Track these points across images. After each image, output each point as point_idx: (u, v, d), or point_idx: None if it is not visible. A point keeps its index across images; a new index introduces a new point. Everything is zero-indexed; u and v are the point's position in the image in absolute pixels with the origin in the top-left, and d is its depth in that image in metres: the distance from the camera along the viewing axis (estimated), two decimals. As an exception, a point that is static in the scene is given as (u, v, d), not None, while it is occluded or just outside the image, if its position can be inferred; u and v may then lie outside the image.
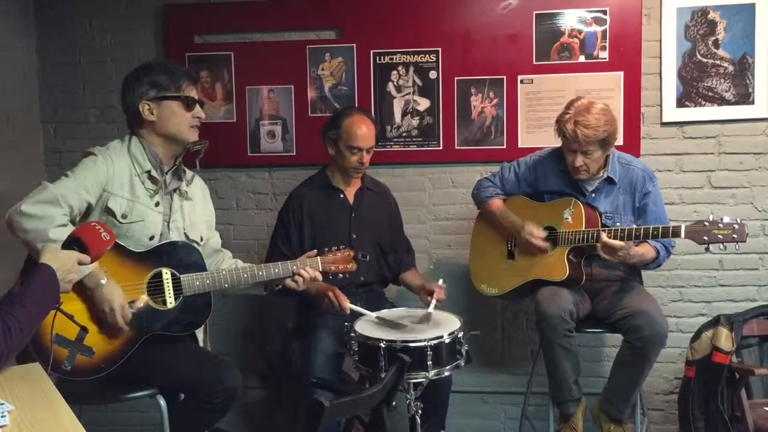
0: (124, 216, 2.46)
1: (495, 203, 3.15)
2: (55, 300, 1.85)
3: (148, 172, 2.53)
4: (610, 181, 2.97)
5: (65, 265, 1.89)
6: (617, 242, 2.77)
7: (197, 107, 2.60)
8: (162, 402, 2.48)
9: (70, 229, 2.31)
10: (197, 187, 2.76)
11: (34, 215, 2.27)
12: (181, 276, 2.50)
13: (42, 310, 1.79)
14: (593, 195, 2.99)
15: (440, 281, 3.03)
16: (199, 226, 2.70)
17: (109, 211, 2.44)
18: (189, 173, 2.71)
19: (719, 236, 2.69)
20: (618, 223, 2.92)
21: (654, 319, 2.77)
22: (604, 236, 2.79)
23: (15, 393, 1.63)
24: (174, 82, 2.55)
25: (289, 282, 2.69)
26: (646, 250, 2.91)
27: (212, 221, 2.83)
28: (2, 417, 1.49)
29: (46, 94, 3.83)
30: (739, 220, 2.69)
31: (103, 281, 2.32)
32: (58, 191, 2.33)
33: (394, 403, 2.26)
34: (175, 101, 2.55)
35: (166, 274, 2.49)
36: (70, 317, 1.98)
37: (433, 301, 2.90)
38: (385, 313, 2.82)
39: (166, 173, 2.58)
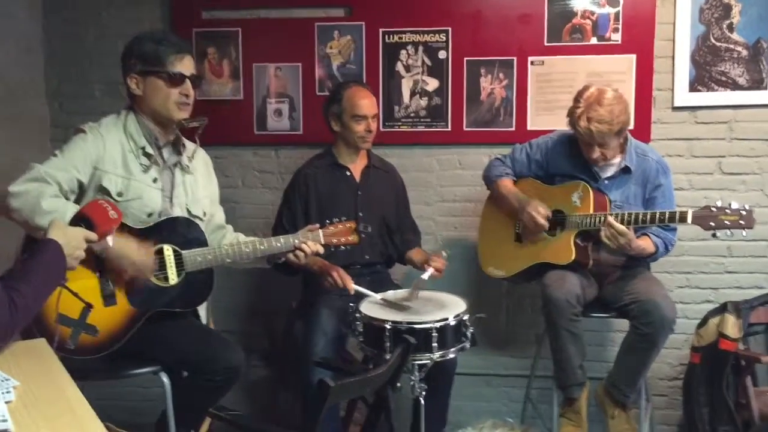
0: (119, 194, 2.42)
1: (504, 182, 3.12)
2: (62, 276, 1.83)
3: (143, 148, 2.49)
4: (626, 170, 2.94)
5: (72, 241, 1.88)
6: (622, 227, 2.74)
7: (186, 83, 2.49)
8: (165, 379, 2.48)
9: (64, 200, 2.30)
10: (200, 161, 2.71)
11: (22, 192, 2.24)
12: (183, 252, 2.48)
13: (48, 286, 1.77)
14: (606, 182, 2.96)
15: (443, 254, 3.01)
16: (202, 201, 2.67)
17: (104, 190, 2.40)
18: (190, 147, 2.66)
19: (726, 222, 2.66)
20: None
21: (662, 304, 2.75)
22: (610, 218, 2.77)
23: (20, 368, 1.62)
24: (158, 56, 2.45)
25: (290, 257, 2.66)
26: (646, 245, 2.89)
27: (216, 196, 2.80)
28: (7, 392, 1.48)
29: (51, 67, 3.80)
30: (747, 207, 2.66)
31: (111, 243, 2.25)
32: (44, 169, 2.30)
33: (398, 385, 2.25)
34: (158, 77, 2.46)
35: (168, 250, 2.47)
36: (75, 294, 1.97)
37: (429, 270, 2.88)
38: (389, 294, 2.81)
39: (161, 148, 2.54)
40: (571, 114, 2.84)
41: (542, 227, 2.95)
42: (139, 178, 2.47)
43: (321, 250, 2.66)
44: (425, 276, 2.83)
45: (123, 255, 2.32)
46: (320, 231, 2.67)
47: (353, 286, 2.84)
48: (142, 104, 2.51)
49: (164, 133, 2.56)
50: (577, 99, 2.84)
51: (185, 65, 2.50)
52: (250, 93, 3.66)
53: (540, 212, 2.94)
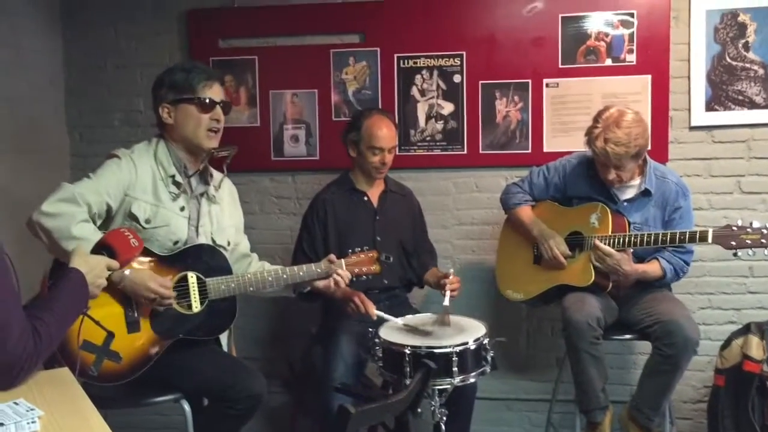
0: (147, 221, 2.45)
1: (524, 211, 3.12)
2: (84, 305, 1.85)
3: (173, 176, 2.53)
4: (645, 193, 2.93)
5: (94, 269, 1.89)
6: (608, 248, 2.75)
7: (216, 109, 2.53)
8: (186, 407, 2.48)
9: (92, 226, 2.33)
10: (226, 191, 2.74)
11: (54, 214, 2.27)
12: (207, 280, 2.49)
13: (71, 315, 1.79)
14: (625, 204, 2.95)
15: (450, 271, 3.00)
16: (227, 230, 2.69)
17: (133, 216, 2.44)
18: (218, 177, 2.69)
19: (747, 241, 2.64)
20: None
21: (685, 325, 2.72)
22: (596, 241, 2.78)
23: (45, 398, 1.62)
24: (189, 83, 2.50)
25: (323, 283, 2.66)
26: (652, 268, 2.89)
27: (241, 225, 2.83)
28: (32, 422, 1.49)
29: (71, 98, 3.86)
30: (768, 225, 2.64)
31: (128, 272, 2.30)
32: (76, 190, 2.33)
33: (419, 410, 2.23)
34: (190, 104, 2.51)
35: (192, 277, 2.48)
36: (97, 322, 1.98)
37: (447, 294, 2.87)
38: (410, 318, 2.80)
39: (190, 177, 2.57)
40: (589, 134, 2.83)
41: (561, 265, 2.94)
42: (168, 206, 2.50)
43: (349, 276, 2.67)
44: (446, 302, 2.83)
45: (139, 283, 2.33)
46: (342, 261, 2.68)
47: (375, 312, 2.84)
48: (174, 133, 2.55)
49: (194, 162, 2.59)
50: (596, 119, 2.84)
51: (215, 92, 2.55)
52: (267, 119, 3.70)
53: (555, 254, 2.94)
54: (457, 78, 3.55)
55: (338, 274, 2.63)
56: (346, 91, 3.63)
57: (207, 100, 2.52)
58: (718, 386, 3.12)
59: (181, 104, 2.51)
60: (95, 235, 2.28)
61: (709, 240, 2.67)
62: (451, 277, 2.96)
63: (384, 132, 3.06)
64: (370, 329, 2.67)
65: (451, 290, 2.91)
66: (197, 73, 2.52)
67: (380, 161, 3.08)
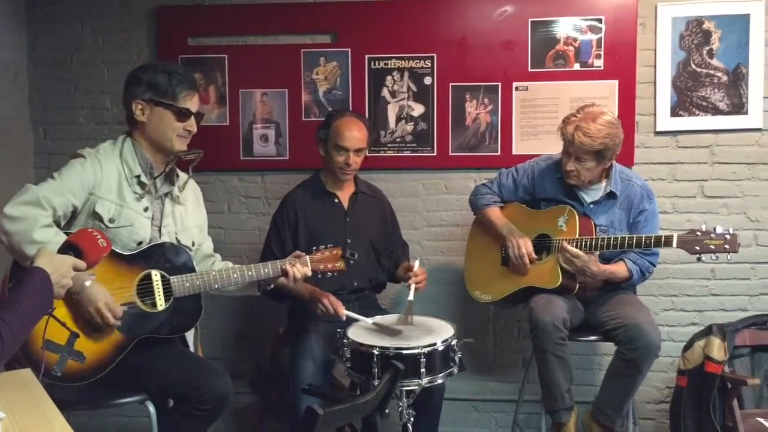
0: (111, 220, 2.42)
1: (492, 211, 3.14)
2: (49, 305, 1.81)
3: (138, 176, 2.50)
4: (611, 195, 2.97)
5: (60, 269, 1.86)
6: (576, 250, 2.80)
7: (191, 120, 2.53)
8: (151, 408, 2.46)
9: (55, 230, 2.29)
10: (190, 192, 2.72)
11: (16, 217, 2.24)
12: (171, 278, 2.47)
13: (35, 315, 1.75)
14: (591, 206, 2.99)
15: (416, 264, 3.02)
16: (191, 230, 2.67)
17: (96, 215, 2.40)
18: (182, 178, 2.66)
19: (711, 246, 2.70)
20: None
21: (648, 330, 2.76)
22: (564, 243, 2.82)
23: (6, 400, 1.60)
24: (172, 90, 2.48)
25: (281, 281, 2.65)
26: (618, 270, 2.95)
27: (205, 226, 2.80)
28: (-7, 425, 1.46)
29: (36, 94, 3.79)
30: (731, 231, 2.71)
31: (88, 283, 2.28)
32: (40, 193, 2.29)
33: (387, 411, 2.24)
34: (168, 110, 2.49)
35: (156, 276, 2.46)
36: (63, 323, 1.95)
37: (412, 287, 2.90)
38: (379, 319, 2.80)
39: (155, 178, 2.54)
40: (566, 120, 2.87)
41: (526, 266, 2.97)
42: (132, 206, 2.47)
43: (309, 273, 2.65)
44: (410, 297, 2.84)
45: (92, 300, 2.30)
46: (307, 258, 2.67)
47: (345, 312, 2.83)
48: (144, 131, 2.52)
49: (160, 163, 2.56)
50: (578, 110, 2.89)
51: (194, 102, 2.55)
52: (237, 119, 3.67)
53: (523, 254, 2.96)
54: (427, 80, 3.57)
55: (288, 270, 2.60)
56: (316, 91, 3.62)
57: (186, 111, 2.51)
58: (680, 387, 3.17)
59: (158, 107, 2.49)
60: (57, 238, 2.25)
61: (674, 245, 2.73)
62: (416, 269, 2.98)
63: (353, 133, 3.04)
64: (339, 330, 2.66)
65: (417, 283, 2.93)
66: (180, 81, 2.50)
67: (344, 161, 3.06)
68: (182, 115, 2.51)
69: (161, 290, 2.46)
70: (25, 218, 2.24)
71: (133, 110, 2.50)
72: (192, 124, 2.54)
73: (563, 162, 2.92)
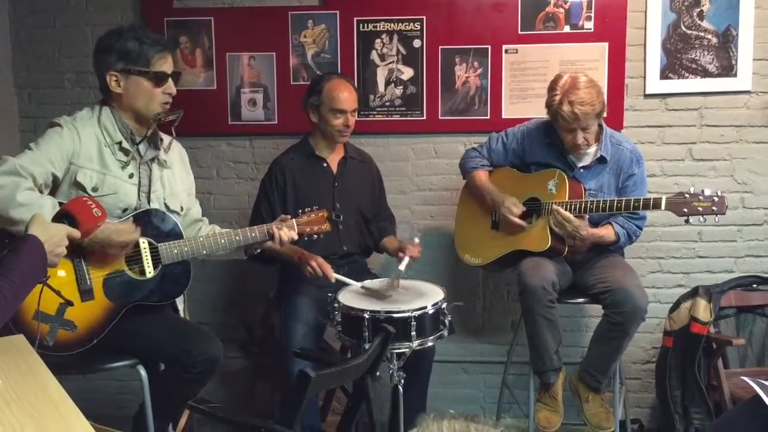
0: (94, 189, 2.39)
1: (480, 175, 3.15)
2: (42, 273, 1.79)
3: (119, 143, 2.46)
4: (601, 160, 2.97)
5: (54, 237, 1.83)
6: (567, 214, 2.81)
7: (169, 82, 2.48)
8: (143, 372, 2.47)
9: (37, 193, 2.27)
10: (175, 154, 2.68)
11: None
12: (159, 245, 2.47)
13: (28, 283, 1.73)
14: (581, 171, 3.00)
15: (416, 239, 3.04)
16: (180, 195, 2.65)
17: (78, 185, 2.37)
18: (166, 140, 2.63)
19: (699, 208, 2.72)
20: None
21: (635, 294, 2.80)
22: (556, 206, 2.84)
23: (0, 366, 1.59)
24: (143, 55, 2.42)
25: (268, 244, 2.65)
26: (606, 233, 2.97)
27: (192, 190, 2.78)
28: (-13, 391, 1.46)
29: (19, 58, 3.72)
30: (719, 193, 2.73)
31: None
32: (18, 162, 2.26)
33: (378, 373, 2.26)
34: (144, 77, 2.44)
35: (143, 243, 2.45)
36: (57, 292, 1.94)
37: (406, 259, 2.91)
38: (369, 283, 2.81)
39: (138, 144, 2.51)
40: (550, 103, 2.86)
41: (521, 227, 2.98)
42: (116, 173, 2.44)
43: (295, 236, 2.65)
44: (402, 267, 2.86)
45: (105, 243, 2.31)
46: (293, 221, 2.66)
47: (334, 275, 2.85)
48: (122, 101, 2.47)
49: (140, 128, 2.52)
50: (552, 88, 2.87)
51: (168, 64, 2.48)
52: (224, 83, 3.62)
53: (512, 213, 2.98)
54: (417, 43, 3.53)
55: (274, 233, 2.59)
56: (304, 54, 3.58)
57: (161, 74, 2.45)
58: (666, 347, 3.23)
59: (132, 76, 2.43)
60: (44, 200, 2.24)
61: (662, 207, 2.75)
62: (416, 242, 3.00)
63: (346, 95, 3.04)
64: (329, 294, 2.68)
65: (411, 257, 2.94)
66: (151, 44, 2.44)
67: (343, 123, 3.05)
68: (159, 79, 2.45)
69: (149, 258, 2.46)
70: (6, 185, 2.20)
71: (108, 82, 2.44)
72: (171, 86, 2.49)
73: (569, 139, 2.89)
